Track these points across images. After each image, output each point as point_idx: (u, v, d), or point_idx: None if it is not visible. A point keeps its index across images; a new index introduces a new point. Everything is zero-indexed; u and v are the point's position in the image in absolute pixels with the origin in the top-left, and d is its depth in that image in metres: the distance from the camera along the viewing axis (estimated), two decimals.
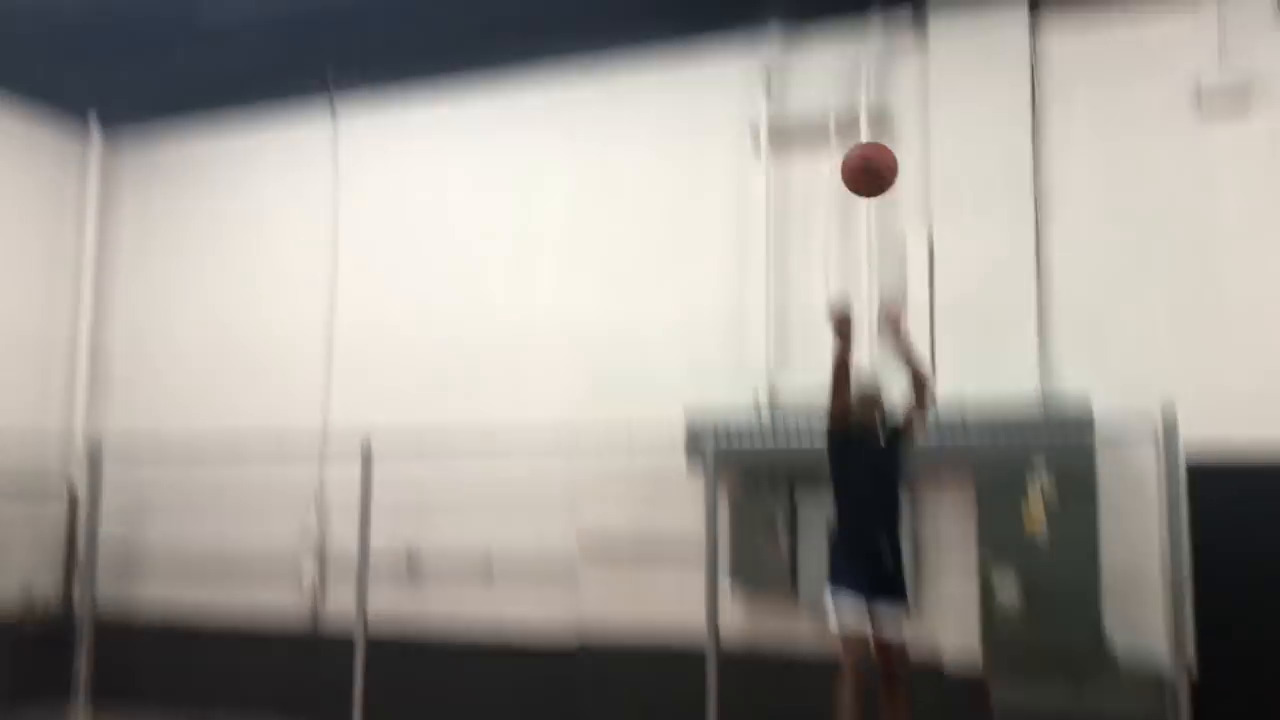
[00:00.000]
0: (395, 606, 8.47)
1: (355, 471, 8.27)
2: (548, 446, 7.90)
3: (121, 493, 9.30)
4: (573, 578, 8.02)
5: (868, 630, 5.69)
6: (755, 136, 7.96)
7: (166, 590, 9.28)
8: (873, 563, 5.75)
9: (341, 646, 8.34)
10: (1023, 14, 7.37)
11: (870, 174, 5.53)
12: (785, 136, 7.92)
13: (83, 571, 9.15)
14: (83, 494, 9.35)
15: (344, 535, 8.63)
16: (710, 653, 7.09)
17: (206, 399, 9.45)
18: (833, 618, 5.73)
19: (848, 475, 5.87)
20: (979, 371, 7.05)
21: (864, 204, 7.37)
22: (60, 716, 9.02)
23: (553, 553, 8.11)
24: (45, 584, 9.50)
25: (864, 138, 7.50)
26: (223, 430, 9.10)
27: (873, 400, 5.95)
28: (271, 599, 8.96)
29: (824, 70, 7.87)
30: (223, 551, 9.14)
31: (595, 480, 7.96)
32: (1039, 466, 6.64)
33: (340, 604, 8.63)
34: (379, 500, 8.27)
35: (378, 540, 8.30)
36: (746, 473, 7.52)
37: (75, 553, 9.40)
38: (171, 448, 9.19)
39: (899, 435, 5.93)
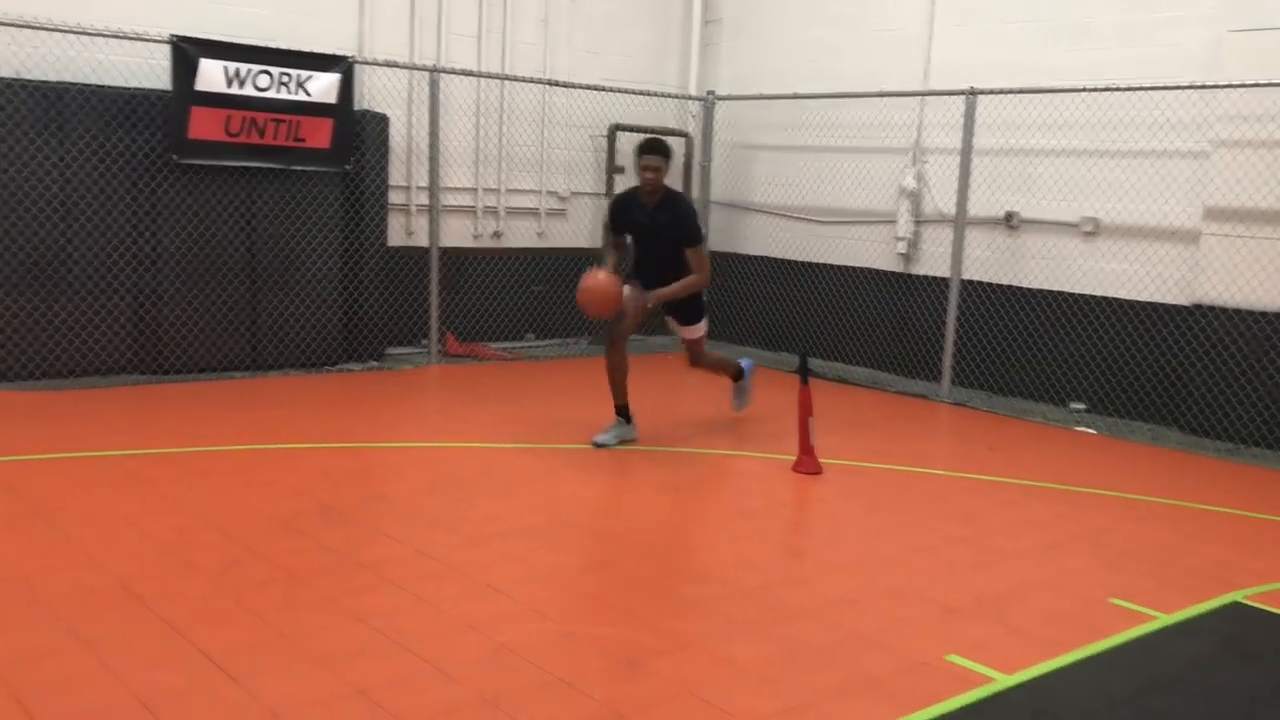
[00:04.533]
0: (990, 253, 8.41)
1: (955, 138, 8.21)
2: (1177, 82, 7.19)
3: (729, 140, 10.07)
4: (1192, 238, 7.39)
5: None
6: None
7: (768, 230, 9.94)
8: None
9: (933, 283, 8.60)
10: None
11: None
12: None
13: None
14: (697, 138, 10.18)
15: (940, 198, 8.67)
16: None
17: (808, 57, 9.70)
18: None
19: None
20: None
21: None
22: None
23: (1169, 213, 7.51)
24: None
25: None
26: (823, 93, 9.31)
27: None
28: (867, 249, 9.28)
29: None
30: (821, 207, 9.56)
31: (1228, 129, 7.14)
32: None
33: (931, 253, 8.77)
34: (978, 171, 8.19)
35: (975, 207, 8.25)
36: None
37: (690, 186, 10.31)
38: (774, 104, 9.65)
39: None
